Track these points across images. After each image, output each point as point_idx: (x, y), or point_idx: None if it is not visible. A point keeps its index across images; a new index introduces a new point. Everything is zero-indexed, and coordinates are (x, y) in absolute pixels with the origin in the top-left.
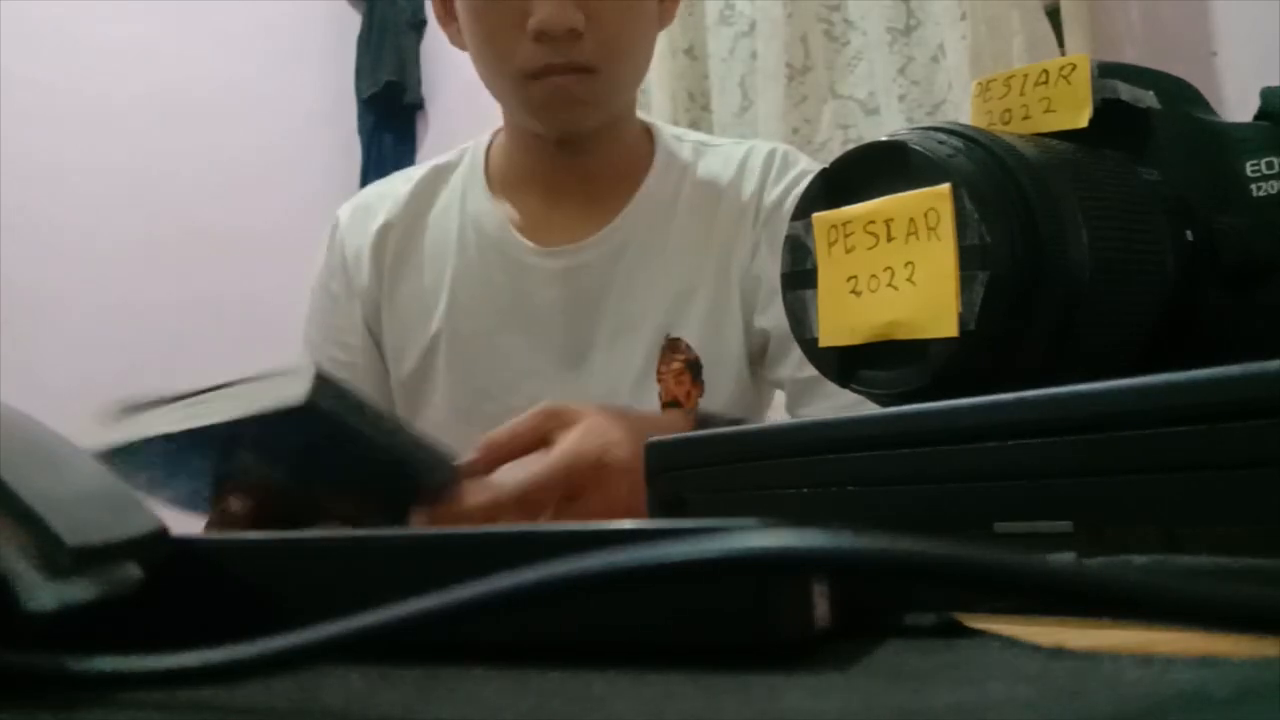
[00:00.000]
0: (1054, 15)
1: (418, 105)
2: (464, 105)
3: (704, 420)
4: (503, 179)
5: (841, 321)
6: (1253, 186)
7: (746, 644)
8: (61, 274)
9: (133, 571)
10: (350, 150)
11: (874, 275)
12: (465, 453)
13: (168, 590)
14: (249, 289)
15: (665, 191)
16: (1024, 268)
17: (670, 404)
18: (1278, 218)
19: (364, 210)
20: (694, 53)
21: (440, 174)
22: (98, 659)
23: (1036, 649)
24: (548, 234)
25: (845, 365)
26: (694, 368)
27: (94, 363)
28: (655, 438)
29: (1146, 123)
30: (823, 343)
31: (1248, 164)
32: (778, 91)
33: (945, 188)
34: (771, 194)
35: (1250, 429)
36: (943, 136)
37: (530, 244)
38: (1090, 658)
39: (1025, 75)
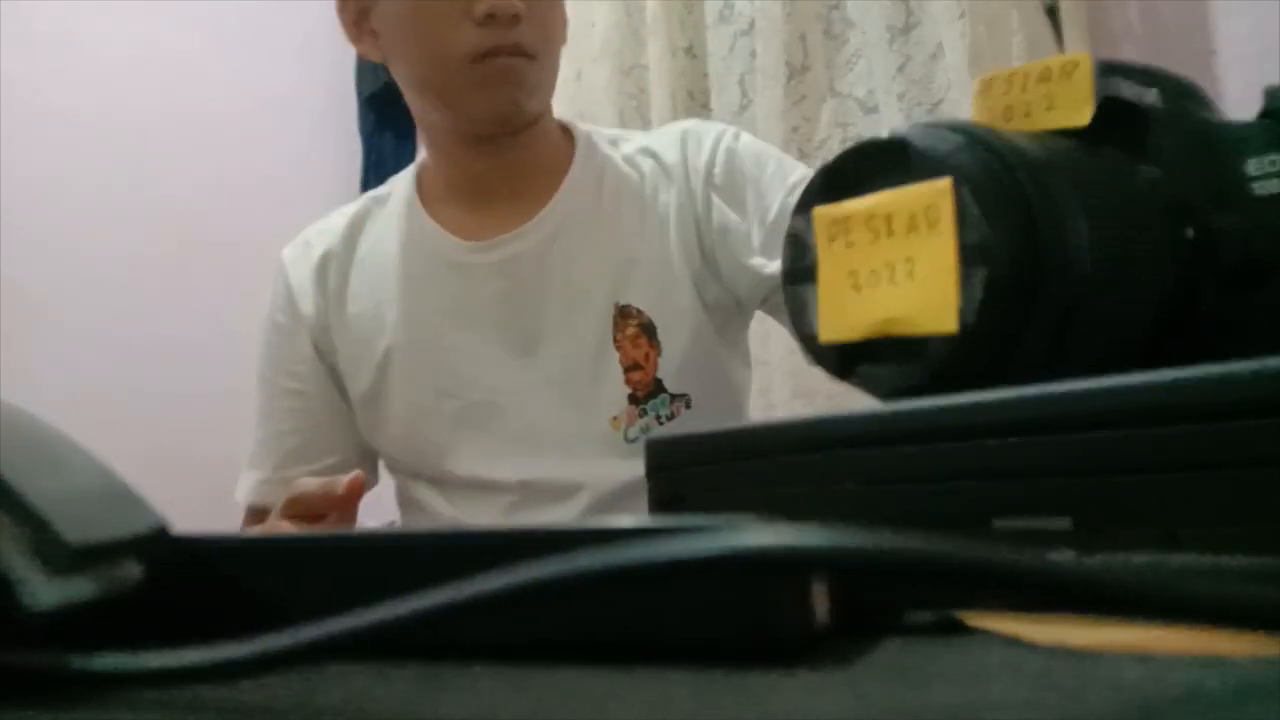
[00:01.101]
0: (1053, 14)
1: None
2: None
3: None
4: (435, 195)
5: (841, 317)
6: (1254, 185)
7: (746, 643)
8: (60, 276)
9: (133, 570)
10: (351, 149)
11: (874, 271)
12: (434, 442)
13: (168, 588)
14: (247, 288)
15: (590, 176)
16: (1024, 265)
17: (632, 367)
18: (1278, 217)
19: (304, 246)
20: (693, 51)
21: (376, 203)
22: (98, 657)
23: (1036, 648)
24: (481, 233)
25: (845, 361)
26: (648, 330)
27: (94, 365)
28: (654, 435)
29: (1147, 121)
30: (822, 338)
31: (1249, 163)
32: (777, 90)
33: (946, 183)
34: (701, 157)
35: (1250, 427)
36: (943, 133)
37: (466, 243)
38: (1090, 657)
39: (1027, 73)
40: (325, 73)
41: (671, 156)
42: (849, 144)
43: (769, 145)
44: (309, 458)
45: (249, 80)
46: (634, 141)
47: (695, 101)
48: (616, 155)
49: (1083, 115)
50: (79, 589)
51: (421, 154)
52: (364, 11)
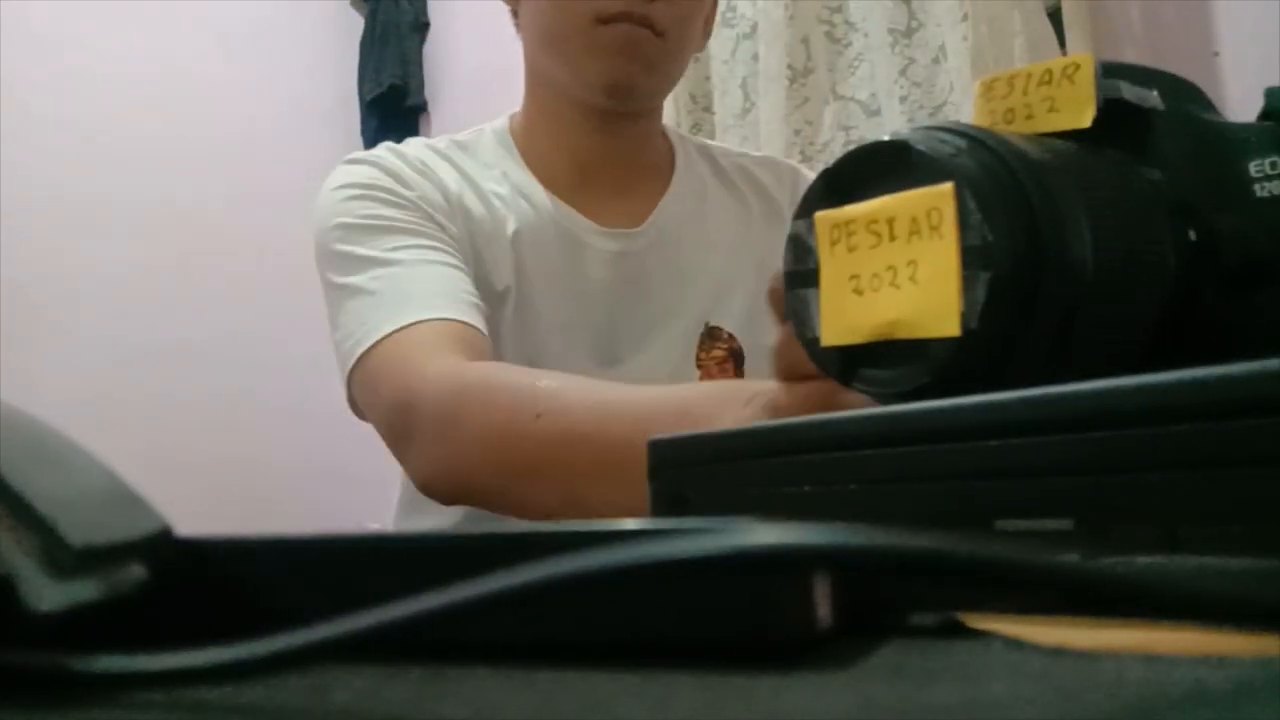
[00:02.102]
0: (1055, 16)
1: (421, 108)
2: (467, 107)
3: None
4: (535, 159)
5: (844, 320)
6: (1255, 187)
7: (749, 643)
8: (61, 280)
9: (137, 571)
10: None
11: (876, 274)
12: None
13: (172, 590)
14: (248, 291)
15: (692, 187)
16: (1026, 268)
17: None
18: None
19: (392, 151)
20: (696, 55)
21: (462, 147)
22: (102, 659)
23: (1039, 649)
24: (595, 216)
25: (847, 364)
26: (737, 357)
27: (95, 367)
28: (656, 436)
29: (1149, 123)
30: (825, 342)
31: (1251, 164)
32: (779, 93)
33: (948, 187)
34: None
35: (1253, 427)
36: (945, 136)
37: (591, 223)
38: (1092, 657)
39: (1029, 75)
40: (328, 77)
41: (781, 196)
42: (851, 147)
43: None
44: (476, 291)
45: (252, 85)
46: (729, 157)
47: (698, 105)
48: (718, 168)
49: (1084, 117)
50: (82, 591)
51: (507, 118)
52: None
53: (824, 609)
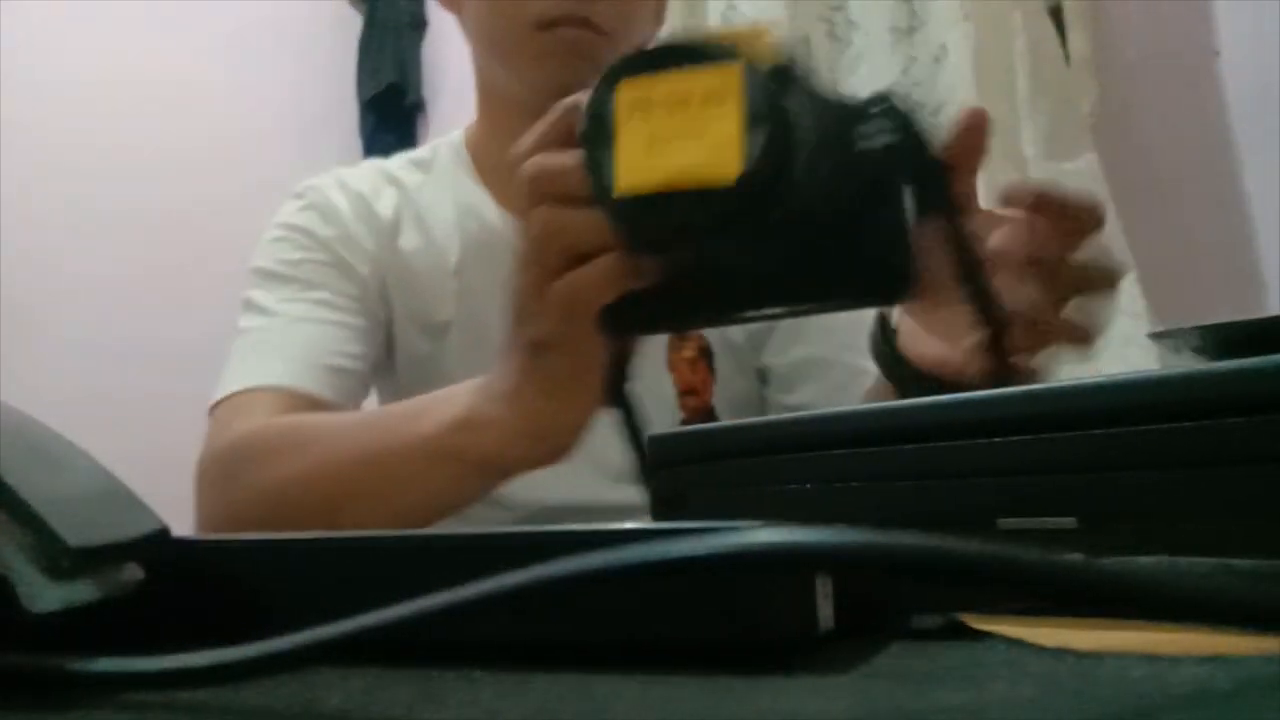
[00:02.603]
0: (1056, 15)
1: (419, 107)
2: (465, 107)
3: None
4: (488, 170)
5: (637, 174)
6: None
7: (750, 645)
8: (60, 281)
9: (134, 572)
10: (351, 152)
11: (668, 138)
12: None
13: (169, 591)
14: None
15: None
16: (784, 136)
17: (687, 392)
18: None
19: (339, 183)
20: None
21: (417, 166)
22: (99, 660)
23: (1041, 650)
24: None
25: (635, 212)
26: (707, 355)
27: (93, 369)
28: (655, 432)
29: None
30: (619, 190)
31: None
32: None
33: (739, 65)
34: None
35: (1255, 424)
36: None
37: None
38: (1094, 658)
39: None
40: (326, 77)
41: None
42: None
43: None
44: (348, 351)
45: (249, 85)
46: None
47: None
48: None
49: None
50: (80, 592)
51: (463, 130)
52: None
53: (825, 610)
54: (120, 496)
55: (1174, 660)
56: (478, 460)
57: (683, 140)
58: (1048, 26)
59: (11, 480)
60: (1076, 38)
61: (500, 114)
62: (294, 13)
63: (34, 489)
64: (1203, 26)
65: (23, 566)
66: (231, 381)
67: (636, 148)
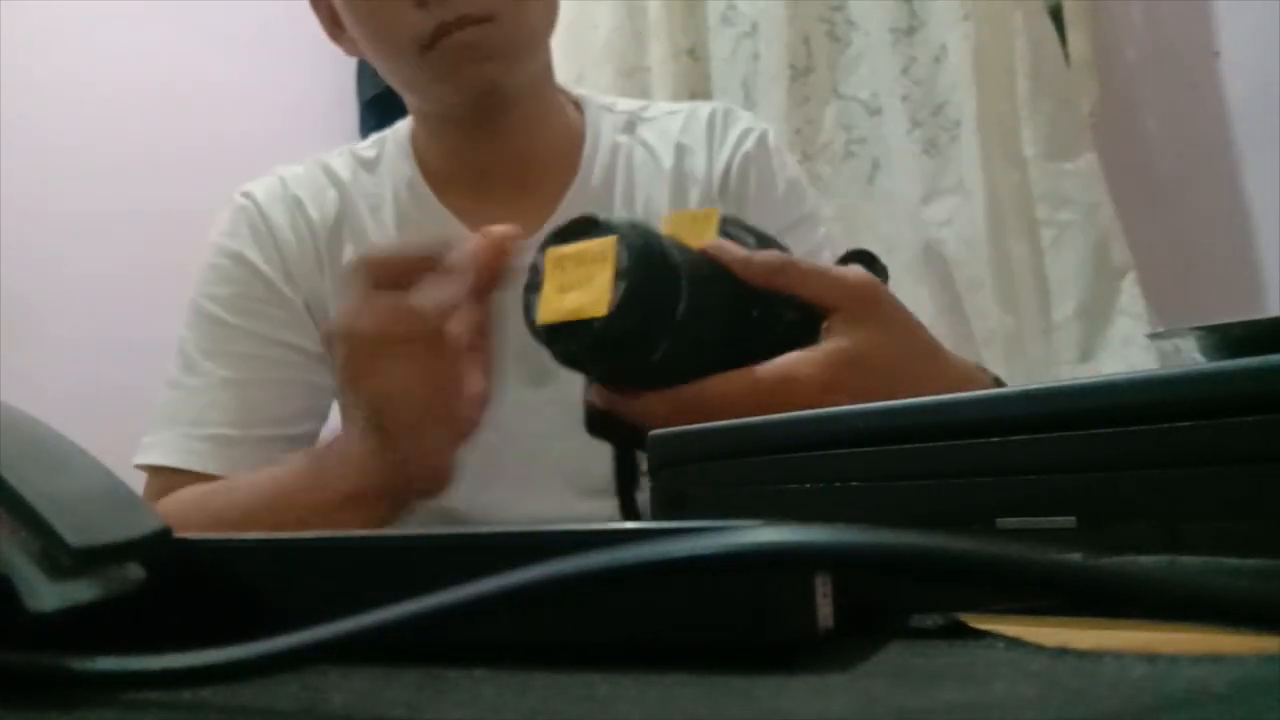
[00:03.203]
0: (1056, 15)
1: None
2: None
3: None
4: (431, 169)
5: (551, 311)
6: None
7: (750, 645)
8: (60, 281)
9: (135, 572)
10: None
11: (572, 285)
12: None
13: (170, 590)
14: None
15: (602, 175)
16: (648, 288)
17: None
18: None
19: (280, 188)
20: (696, 54)
21: (363, 166)
22: (100, 659)
23: (1041, 649)
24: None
25: (552, 337)
26: None
27: (95, 369)
28: (657, 431)
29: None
30: (539, 321)
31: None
32: (780, 93)
33: (613, 239)
34: (719, 161)
35: (1254, 424)
36: (625, 219)
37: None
38: (1094, 657)
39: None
40: (326, 77)
41: (698, 158)
42: (853, 146)
43: (787, 159)
44: (282, 419)
45: (249, 86)
46: (654, 127)
47: None
48: (634, 149)
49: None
50: (81, 591)
51: (408, 123)
52: (334, 6)
53: (825, 609)
54: (121, 496)
55: (1173, 660)
56: (380, 497)
57: (579, 288)
58: (1048, 26)
59: (12, 480)
60: (1077, 38)
61: (437, 132)
62: (294, 13)
63: (35, 488)
64: (1203, 26)
65: (24, 566)
66: (151, 449)
67: (553, 292)
